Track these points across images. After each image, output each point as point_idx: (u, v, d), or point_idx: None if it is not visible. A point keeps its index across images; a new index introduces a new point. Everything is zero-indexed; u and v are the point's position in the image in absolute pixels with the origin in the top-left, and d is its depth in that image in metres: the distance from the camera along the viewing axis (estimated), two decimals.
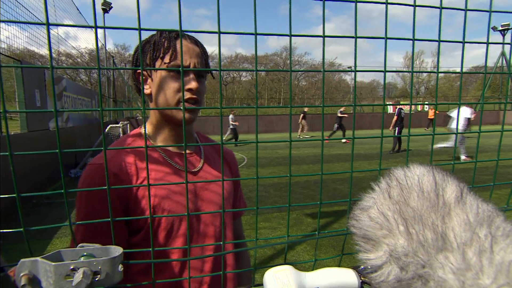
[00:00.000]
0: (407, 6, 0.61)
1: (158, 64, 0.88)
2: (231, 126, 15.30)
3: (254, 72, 0.56)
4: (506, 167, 8.07)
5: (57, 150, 0.48)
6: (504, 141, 14.30)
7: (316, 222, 4.62)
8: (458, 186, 0.39)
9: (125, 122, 12.04)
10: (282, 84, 50.23)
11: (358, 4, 0.57)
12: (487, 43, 0.74)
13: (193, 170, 0.96)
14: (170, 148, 0.95)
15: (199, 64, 0.90)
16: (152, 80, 0.91)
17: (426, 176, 0.40)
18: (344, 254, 0.62)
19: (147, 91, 0.93)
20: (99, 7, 18.18)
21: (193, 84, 0.87)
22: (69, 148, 8.84)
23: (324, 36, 0.56)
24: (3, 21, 0.39)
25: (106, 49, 19.67)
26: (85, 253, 0.50)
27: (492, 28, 28.04)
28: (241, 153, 12.06)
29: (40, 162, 6.48)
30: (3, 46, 5.68)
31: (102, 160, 0.82)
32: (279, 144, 14.85)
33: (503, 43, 0.76)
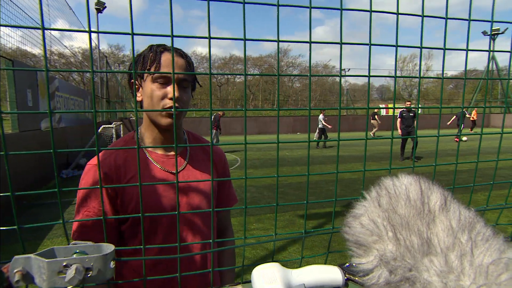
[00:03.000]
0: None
1: (145, 76, 1.01)
2: (320, 126, 14.79)
3: (247, 74, 0.58)
4: (487, 170, 8.18)
5: (51, 150, 0.49)
6: (487, 144, 14.52)
7: (309, 223, 4.66)
8: (442, 194, 0.41)
9: (118, 123, 11.97)
10: (276, 86, 50.29)
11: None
12: (467, 50, 0.77)
13: (174, 171, 1.05)
14: (157, 151, 1.08)
15: (181, 76, 1.01)
16: (142, 88, 1.04)
17: (413, 185, 0.43)
18: (330, 252, 0.64)
19: (139, 98, 1.06)
20: (92, 7, 18.05)
21: (175, 93, 0.95)
22: (61, 147, 8.76)
23: (310, 42, 0.58)
24: (2, 25, 0.41)
25: (99, 49, 19.54)
26: (77, 250, 0.51)
27: (482, 32, 28.42)
28: (234, 155, 12.06)
29: (32, 163, 6.43)
30: None
31: (95, 161, 0.99)
32: (272, 145, 14.87)
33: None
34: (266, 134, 23.84)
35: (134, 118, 22.63)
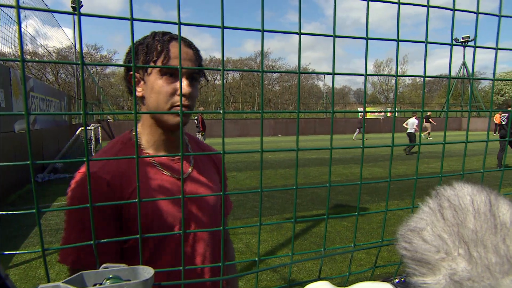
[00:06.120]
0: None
1: (150, 68, 0.87)
2: (411, 130, 12.97)
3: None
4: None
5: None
6: (468, 146, 15.01)
7: (298, 227, 4.63)
8: (510, 205, 0.38)
9: (96, 125, 11.60)
10: (256, 89, 50.45)
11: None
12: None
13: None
14: (161, 154, 0.95)
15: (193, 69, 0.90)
16: (144, 83, 0.90)
17: (478, 195, 0.39)
18: (376, 267, 0.60)
19: (139, 93, 0.92)
20: (68, 5, 17.49)
21: (185, 89, 0.86)
22: (37, 150, 8.36)
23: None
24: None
25: (75, 49, 18.92)
26: (110, 275, 0.44)
27: (454, 39, 29.52)
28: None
29: (4, 167, 6.08)
30: None
31: (93, 169, 0.84)
32: (254, 148, 14.84)
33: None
34: (247, 137, 23.80)
35: (112, 120, 21.98)
